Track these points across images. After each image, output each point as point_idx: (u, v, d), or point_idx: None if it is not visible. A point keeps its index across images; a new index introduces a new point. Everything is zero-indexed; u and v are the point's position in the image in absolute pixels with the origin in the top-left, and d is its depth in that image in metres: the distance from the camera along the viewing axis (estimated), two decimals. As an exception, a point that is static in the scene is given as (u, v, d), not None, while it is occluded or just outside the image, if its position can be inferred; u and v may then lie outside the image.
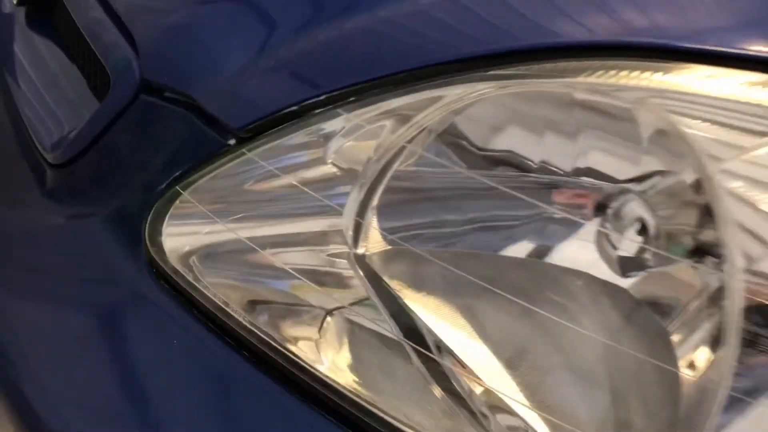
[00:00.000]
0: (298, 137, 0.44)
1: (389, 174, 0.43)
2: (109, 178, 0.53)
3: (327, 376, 0.42)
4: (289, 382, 0.42)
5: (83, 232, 0.53)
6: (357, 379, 0.42)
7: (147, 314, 0.48)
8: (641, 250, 0.39)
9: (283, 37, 0.47)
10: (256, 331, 0.44)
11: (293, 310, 0.47)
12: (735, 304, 0.33)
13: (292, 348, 0.44)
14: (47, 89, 0.62)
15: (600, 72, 0.38)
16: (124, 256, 0.49)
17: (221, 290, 0.46)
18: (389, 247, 0.44)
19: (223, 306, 0.45)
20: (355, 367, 0.43)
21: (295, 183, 0.46)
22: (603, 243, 0.40)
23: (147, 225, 0.48)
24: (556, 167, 0.41)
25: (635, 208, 0.39)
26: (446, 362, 0.40)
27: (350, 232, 0.45)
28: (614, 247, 0.39)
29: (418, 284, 0.43)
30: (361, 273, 0.44)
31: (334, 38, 0.45)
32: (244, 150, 0.45)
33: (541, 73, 0.40)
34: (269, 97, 0.45)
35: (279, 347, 0.44)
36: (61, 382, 0.47)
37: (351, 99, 0.43)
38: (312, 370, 0.42)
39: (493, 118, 0.43)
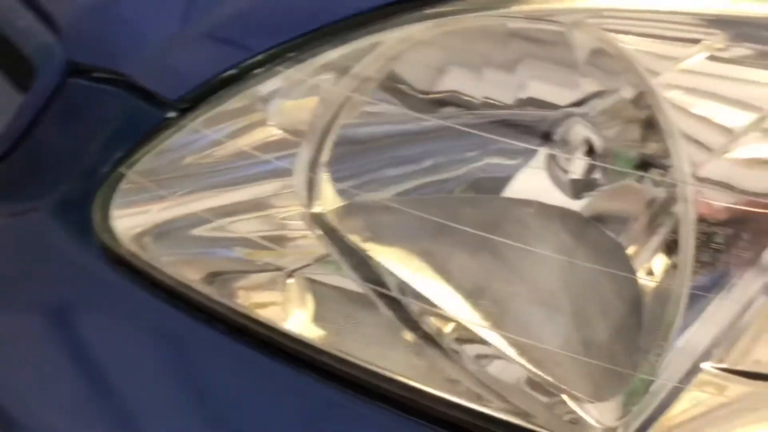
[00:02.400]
0: (238, 101, 0.43)
1: (335, 128, 0.43)
2: (47, 170, 0.51)
3: (297, 334, 0.42)
4: (263, 345, 0.42)
5: (26, 229, 0.51)
6: (326, 333, 0.43)
7: (107, 300, 0.47)
8: (590, 170, 0.40)
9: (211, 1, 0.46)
10: (222, 301, 0.44)
11: (254, 276, 0.47)
12: (688, 209, 0.34)
13: (260, 312, 0.44)
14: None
15: None
16: (74, 247, 0.48)
17: (180, 266, 0.45)
18: (344, 202, 0.44)
19: (185, 282, 0.45)
20: (323, 323, 0.43)
21: (242, 148, 0.45)
22: (553, 169, 0.41)
23: (95, 211, 0.47)
24: (499, 101, 0.42)
25: (581, 130, 0.40)
26: (412, 304, 0.41)
27: (303, 192, 0.44)
28: (565, 171, 0.40)
29: (377, 234, 0.44)
30: (320, 231, 0.44)
31: None
32: (185, 121, 0.44)
33: (475, 6, 0.40)
34: (204, 63, 0.44)
35: (246, 314, 0.44)
36: (29, 379, 0.46)
37: (289, 55, 0.42)
38: (282, 330, 0.43)
39: (432, 59, 0.43)
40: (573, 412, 0.36)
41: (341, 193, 0.44)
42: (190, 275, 0.45)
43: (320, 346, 0.42)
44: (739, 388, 0.33)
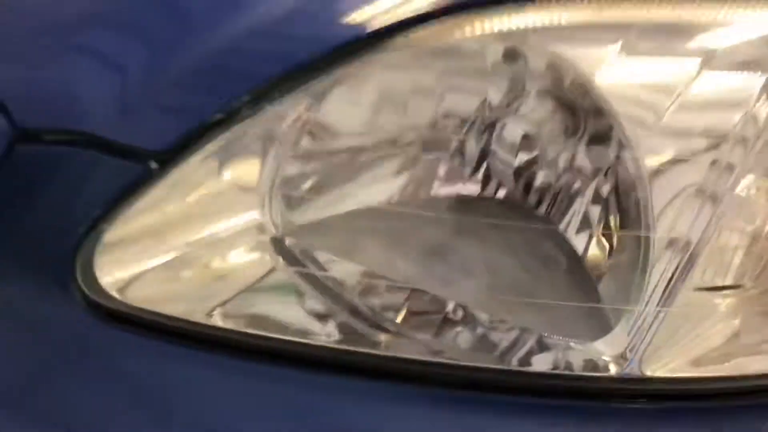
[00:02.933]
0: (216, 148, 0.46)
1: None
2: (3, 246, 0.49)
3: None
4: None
5: None
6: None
7: (101, 353, 0.47)
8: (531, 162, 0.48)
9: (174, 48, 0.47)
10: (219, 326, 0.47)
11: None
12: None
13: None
14: None
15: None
16: (56, 308, 0.47)
17: (173, 305, 0.47)
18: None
19: (181, 317, 0.47)
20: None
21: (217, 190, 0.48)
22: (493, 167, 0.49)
23: (78, 269, 0.47)
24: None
25: (513, 128, 0.48)
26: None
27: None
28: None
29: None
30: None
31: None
32: (170, 170, 0.46)
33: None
34: (186, 111, 0.46)
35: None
36: None
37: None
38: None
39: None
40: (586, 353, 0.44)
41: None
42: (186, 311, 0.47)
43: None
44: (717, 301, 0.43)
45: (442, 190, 0.49)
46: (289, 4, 0.47)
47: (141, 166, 0.46)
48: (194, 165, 0.47)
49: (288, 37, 0.47)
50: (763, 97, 0.44)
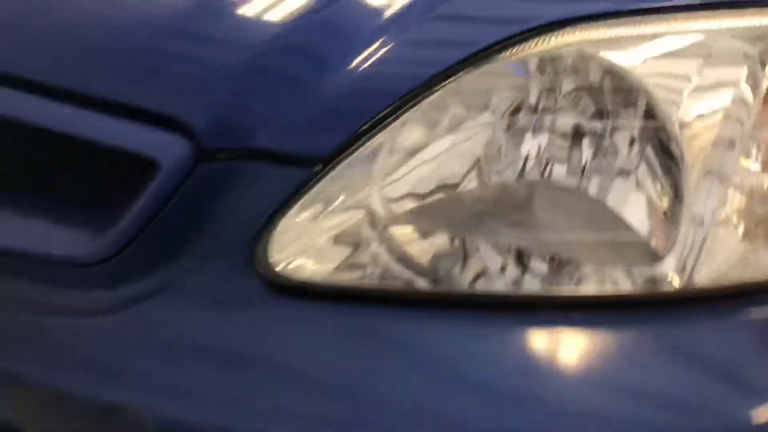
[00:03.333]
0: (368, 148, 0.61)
1: None
2: (177, 251, 0.61)
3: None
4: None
5: (163, 310, 0.60)
6: None
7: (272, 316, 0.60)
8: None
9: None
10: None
11: None
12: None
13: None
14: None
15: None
16: (239, 289, 0.60)
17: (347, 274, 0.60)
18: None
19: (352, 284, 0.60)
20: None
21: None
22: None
23: (256, 258, 0.59)
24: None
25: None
26: None
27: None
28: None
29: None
30: None
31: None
32: (328, 170, 0.60)
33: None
34: (342, 121, 0.60)
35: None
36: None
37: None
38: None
39: None
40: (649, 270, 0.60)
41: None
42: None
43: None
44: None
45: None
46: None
47: (306, 170, 0.60)
48: (348, 164, 0.61)
49: (415, 62, 0.62)
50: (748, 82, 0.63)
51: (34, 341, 0.63)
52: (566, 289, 0.61)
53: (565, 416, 0.56)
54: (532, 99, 0.63)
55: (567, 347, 0.60)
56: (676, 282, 0.61)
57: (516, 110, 0.63)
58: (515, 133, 0.63)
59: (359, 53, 0.62)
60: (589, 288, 0.61)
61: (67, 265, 0.64)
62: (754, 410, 0.58)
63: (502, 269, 0.61)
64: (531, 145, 0.63)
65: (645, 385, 0.58)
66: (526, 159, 0.63)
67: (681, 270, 0.61)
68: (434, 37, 0.64)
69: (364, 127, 0.60)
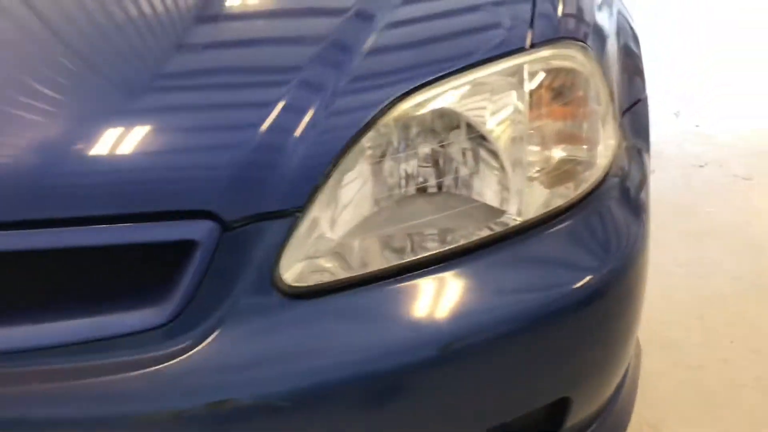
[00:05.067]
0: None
1: None
2: (222, 296, 0.93)
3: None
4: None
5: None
6: None
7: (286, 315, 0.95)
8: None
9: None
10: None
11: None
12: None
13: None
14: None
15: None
16: (264, 300, 0.94)
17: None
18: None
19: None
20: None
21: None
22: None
23: (274, 278, 0.94)
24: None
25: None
26: None
27: None
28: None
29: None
30: None
31: None
32: (305, 213, 0.96)
33: None
34: (305, 185, 0.96)
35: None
36: None
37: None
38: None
39: None
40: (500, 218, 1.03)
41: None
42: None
43: None
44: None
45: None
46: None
47: (291, 218, 0.95)
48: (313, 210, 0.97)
49: (335, 135, 1.00)
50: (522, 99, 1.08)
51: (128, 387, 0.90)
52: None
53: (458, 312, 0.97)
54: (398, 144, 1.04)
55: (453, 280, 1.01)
56: (519, 220, 1.03)
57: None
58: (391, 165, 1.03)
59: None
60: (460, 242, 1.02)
61: (140, 333, 0.93)
62: (583, 278, 1.02)
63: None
64: (407, 167, 1.03)
65: (509, 283, 1.00)
66: (406, 177, 1.03)
67: (519, 213, 1.04)
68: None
69: (316, 185, 0.97)
